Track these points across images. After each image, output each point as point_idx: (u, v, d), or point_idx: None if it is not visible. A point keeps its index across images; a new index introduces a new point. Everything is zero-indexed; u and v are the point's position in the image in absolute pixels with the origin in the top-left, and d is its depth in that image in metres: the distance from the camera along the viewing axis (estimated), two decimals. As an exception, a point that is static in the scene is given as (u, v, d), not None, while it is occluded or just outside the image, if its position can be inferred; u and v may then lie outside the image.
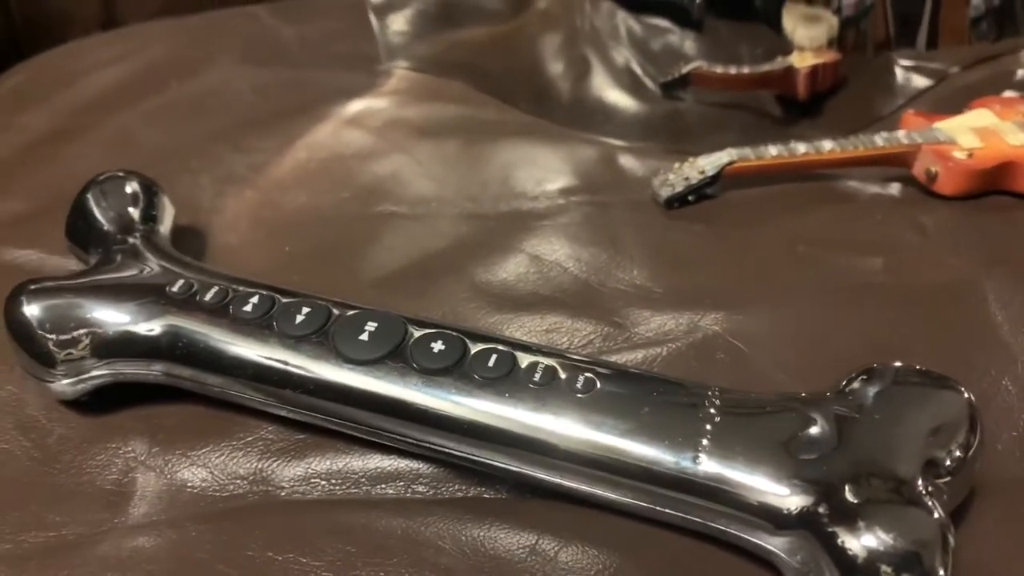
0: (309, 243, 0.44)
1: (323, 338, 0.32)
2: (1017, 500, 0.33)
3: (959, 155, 0.47)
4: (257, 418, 0.35)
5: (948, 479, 0.29)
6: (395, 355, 0.32)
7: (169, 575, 0.29)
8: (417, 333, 0.32)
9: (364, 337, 0.32)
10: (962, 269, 0.43)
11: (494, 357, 0.31)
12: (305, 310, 0.33)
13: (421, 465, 0.33)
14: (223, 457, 0.34)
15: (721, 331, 0.38)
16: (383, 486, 0.33)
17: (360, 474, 0.33)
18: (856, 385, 0.30)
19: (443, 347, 0.32)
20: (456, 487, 0.33)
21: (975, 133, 0.49)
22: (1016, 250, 0.44)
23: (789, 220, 0.46)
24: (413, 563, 0.29)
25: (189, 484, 0.33)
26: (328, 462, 0.34)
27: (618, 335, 0.38)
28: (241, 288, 0.34)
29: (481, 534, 0.30)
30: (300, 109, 0.53)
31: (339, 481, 0.33)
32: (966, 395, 0.30)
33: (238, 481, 0.33)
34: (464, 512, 0.31)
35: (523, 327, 0.38)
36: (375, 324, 0.33)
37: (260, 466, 0.34)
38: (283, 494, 0.33)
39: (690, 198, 0.46)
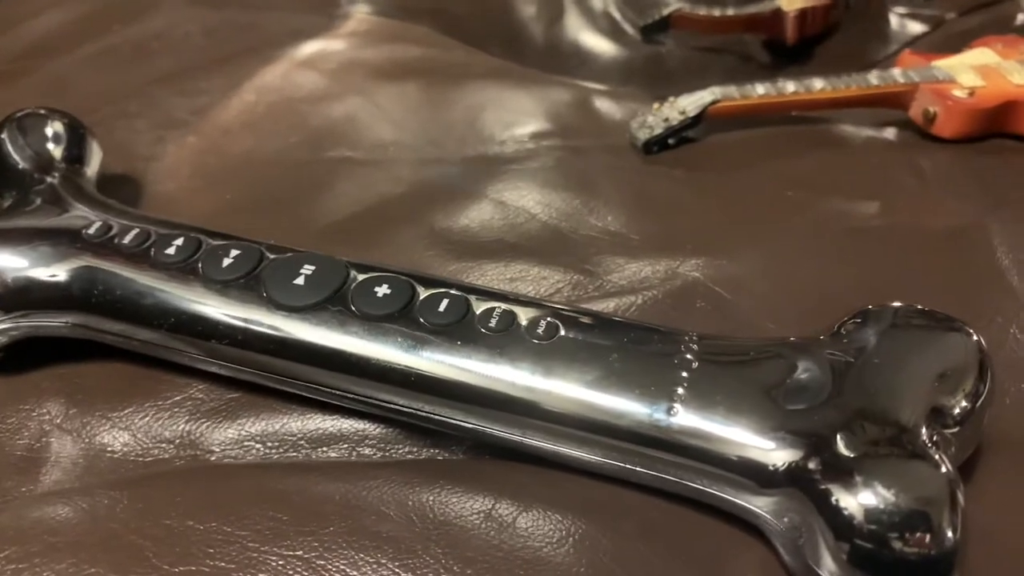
0: (254, 190, 0.40)
1: (253, 283, 0.29)
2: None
3: (959, 94, 0.44)
4: (187, 376, 0.31)
5: (956, 429, 0.25)
6: (334, 300, 0.28)
7: (72, 547, 0.26)
8: (360, 277, 0.29)
9: (299, 281, 0.28)
10: (964, 213, 0.39)
11: (445, 302, 0.28)
12: (234, 252, 0.29)
13: (368, 425, 0.30)
14: (147, 419, 0.30)
15: (702, 277, 0.35)
16: (325, 449, 0.29)
17: (299, 436, 0.30)
18: (852, 328, 0.27)
19: (388, 291, 0.28)
20: (407, 449, 0.29)
21: (976, 71, 0.45)
22: (1016, 190, 0.41)
23: (777, 164, 0.42)
24: (351, 531, 0.26)
25: (109, 449, 0.30)
26: (263, 423, 0.30)
27: (589, 283, 0.34)
28: (165, 230, 0.31)
29: (430, 499, 0.27)
30: (251, 51, 0.49)
31: (275, 444, 0.30)
32: (975, 337, 0.27)
33: (163, 445, 0.30)
34: (413, 475, 0.28)
35: (485, 275, 0.35)
36: (312, 267, 0.29)
37: (188, 429, 0.30)
38: (212, 459, 0.29)
39: (670, 141, 0.43)
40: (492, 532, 0.26)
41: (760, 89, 0.43)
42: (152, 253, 0.30)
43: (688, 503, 0.27)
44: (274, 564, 0.25)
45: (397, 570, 0.25)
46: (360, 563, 0.25)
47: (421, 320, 0.27)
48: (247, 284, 0.29)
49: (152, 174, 0.41)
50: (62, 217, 0.32)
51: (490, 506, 0.27)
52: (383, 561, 0.25)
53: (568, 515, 0.27)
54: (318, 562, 0.25)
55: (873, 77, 0.44)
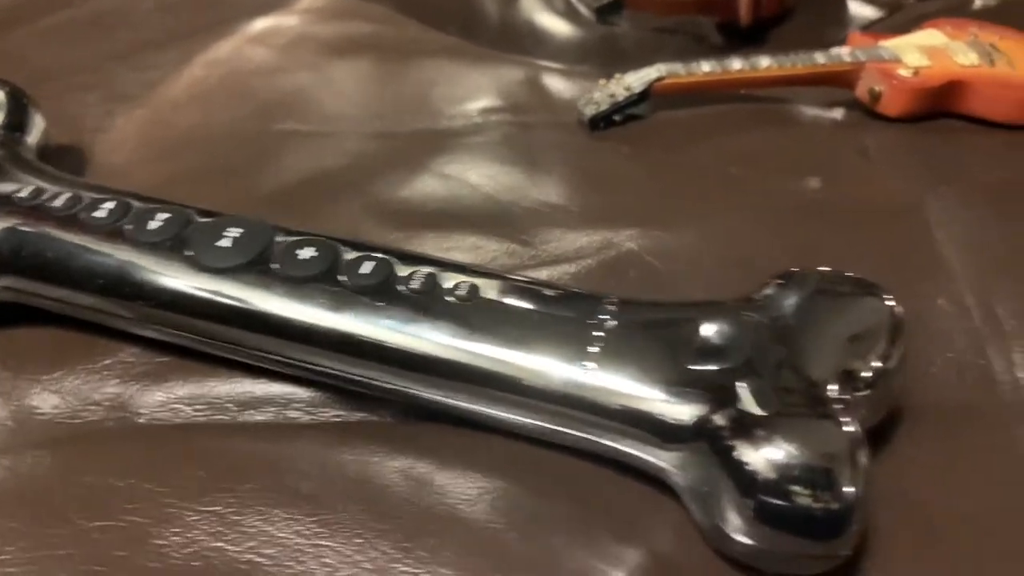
0: (199, 161, 0.40)
1: (179, 244, 0.29)
2: (951, 427, 0.30)
3: (904, 73, 0.44)
4: (118, 340, 0.31)
5: (867, 392, 0.26)
6: (258, 262, 0.28)
7: (-11, 504, 0.26)
8: (285, 239, 0.29)
9: (225, 243, 0.29)
10: (903, 190, 0.40)
11: (369, 264, 0.28)
12: (161, 216, 0.30)
13: (296, 389, 0.30)
14: (78, 382, 0.31)
15: (637, 248, 0.35)
16: (252, 412, 0.30)
17: (226, 399, 0.30)
18: (769, 291, 0.27)
19: (313, 254, 0.28)
20: (335, 412, 0.30)
21: (923, 52, 0.46)
22: (960, 171, 0.41)
23: (722, 141, 0.43)
24: (269, 488, 0.26)
25: (38, 411, 0.30)
26: (192, 386, 0.30)
27: (525, 253, 0.35)
28: (95, 195, 0.31)
29: (351, 458, 0.27)
30: (206, 27, 0.49)
31: (203, 407, 0.30)
32: (889, 302, 0.27)
33: (93, 407, 0.30)
34: (336, 436, 0.28)
35: (423, 244, 0.35)
36: (238, 230, 0.29)
37: (117, 391, 0.30)
38: (141, 420, 0.30)
39: (617, 118, 0.43)
40: (409, 490, 0.27)
41: (706, 66, 0.44)
42: (81, 216, 0.30)
43: (607, 463, 0.27)
44: (189, 519, 0.26)
45: (311, 525, 0.25)
46: (275, 518, 0.25)
47: (344, 281, 0.28)
48: (173, 246, 0.29)
49: (99, 146, 0.41)
50: (-4, 182, 0.32)
51: (409, 465, 0.27)
52: (298, 516, 0.26)
53: (487, 473, 0.27)
54: (233, 517, 0.26)
55: (819, 56, 0.45)
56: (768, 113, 0.45)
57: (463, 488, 0.27)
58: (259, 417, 0.29)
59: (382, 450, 0.28)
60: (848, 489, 0.23)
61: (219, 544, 0.25)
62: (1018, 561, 0.26)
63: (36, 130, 0.37)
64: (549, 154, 0.41)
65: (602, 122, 0.43)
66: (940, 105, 0.45)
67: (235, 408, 0.30)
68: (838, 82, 0.45)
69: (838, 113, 0.45)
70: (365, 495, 0.26)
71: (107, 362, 0.31)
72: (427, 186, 0.38)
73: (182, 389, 0.30)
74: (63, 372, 0.31)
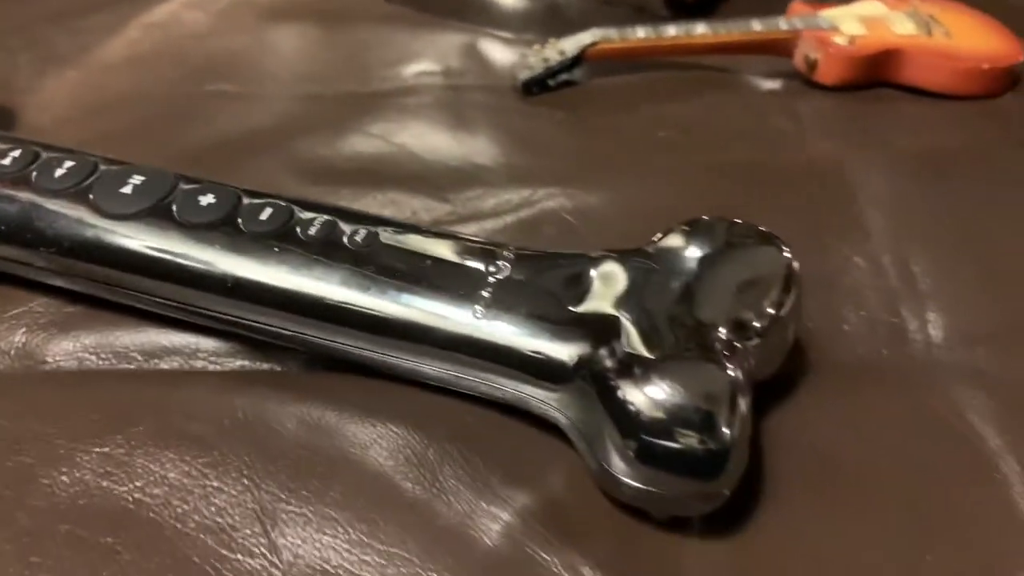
0: (127, 121, 0.40)
1: (84, 191, 0.29)
2: (861, 382, 0.31)
3: (840, 41, 0.44)
4: (28, 291, 0.31)
5: (757, 341, 0.26)
6: (158, 209, 0.28)
7: None
8: (186, 187, 0.29)
9: (127, 190, 0.29)
10: (830, 154, 0.40)
11: (268, 211, 0.28)
12: (68, 164, 0.30)
13: (203, 339, 0.30)
14: (-16, 328, 0.31)
15: (555, 206, 0.35)
16: (157, 361, 0.30)
17: (132, 348, 0.30)
18: (666, 238, 0.28)
19: (213, 200, 0.28)
20: (240, 362, 0.29)
21: (861, 21, 0.46)
22: (889, 138, 0.41)
23: (654, 107, 0.43)
24: (160, 432, 0.26)
25: (-58, 358, 0.30)
26: (98, 336, 0.30)
27: (443, 209, 0.35)
28: (3, 145, 0.31)
29: (247, 404, 0.27)
30: (144, -7, 0.49)
31: (109, 355, 0.30)
32: (786, 253, 0.27)
33: (-1, 350, 0.30)
34: (236, 384, 0.28)
35: (338, 199, 0.35)
36: (141, 178, 0.29)
37: (24, 340, 0.30)
38: (47, 368, 0.30)
39: (551, 83, 0.43)
40: (303, 435, 0.27)
41: (641, 32, 0.44)
42: (-12, 163, 0.30)
43: (503, 411, 0.27)
44: (78, 459, 0.26)
45: (200, 466, 0.25)
46: (163, 459, 0.26)
47: (242, 227, 0.28)
48: (77, 193, 0.29)
49: (29, 106, 0.41)
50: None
51: (306, 412, 0.27)
52: (186, 458, 0.26)
53: (383, 421, 0.27)
54: (123, 458, 0.26)
55: (755, 23, 0.45)
56: (704, 81, 0.45)
57: (357, 434, 0.27)
58: (164, 366, 0.29)
59: (281, 397, 0.28)
60: (726, 431, 0.23)
61: (106, 484, 0.25)
62: (915, 510, 0.26)
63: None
64: (480, 116, 0.41)
65: (536, 87, 0.43)
66: (877, 74, 0.45)
67: (141, 357, 0.30)
68: (776, 50, 0.46)
69: (775, 81, 0.46)
70: (256, 438, 0.26)
71: (16, 312, 0.31)
72: (351, 145, 0.38)
73: (88, 338, 0.30)
74: (-29, 319, 0.31)
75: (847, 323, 0.33)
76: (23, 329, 0.31)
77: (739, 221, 0.28)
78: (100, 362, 0.30)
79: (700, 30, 0.44)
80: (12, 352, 0.30)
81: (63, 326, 0.31)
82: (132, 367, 0.29)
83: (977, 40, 0.45)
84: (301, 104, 0.41)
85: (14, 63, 0.43)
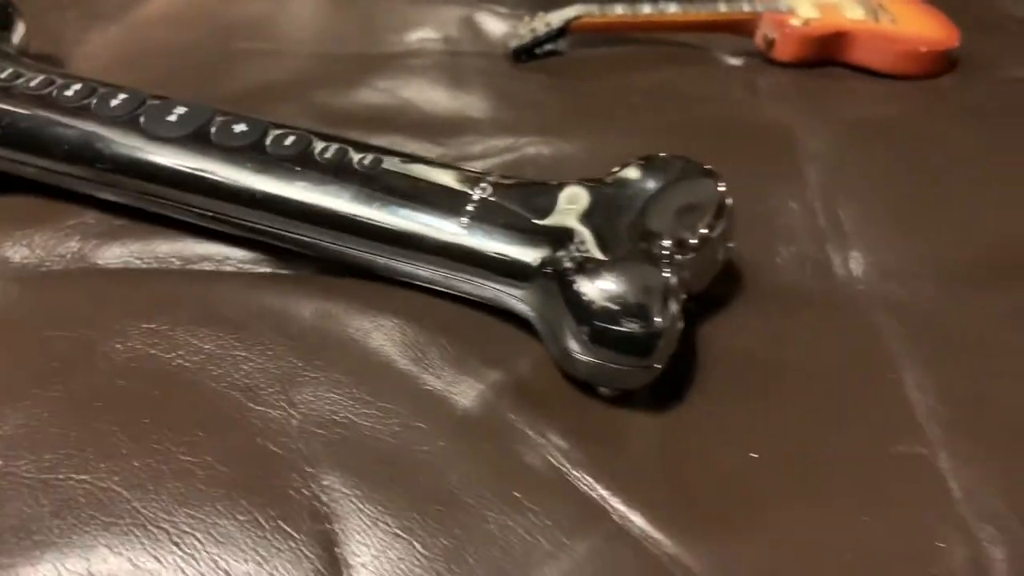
0: (164, 71, 0.45)
1: (135, 119, 0.34)
2: (790, 303, 0.36)
3: (795, 22, 0.50)
4: (82, 206, 0.37)
5: (691, 255, 0.32)
6: (198, 134, 0.34)
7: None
8: (222, 118, 0.34)
9: (172, 118, 0.34)
10: (780, 118, 0.46)
11: (291, 138, 0.34)
12: (121, 96, 0.35)
13: (233, 248, 0.35)
14: (46, 239, 0.36)
15: (536, 152, 0.41)
16: (193, 265, 0.35)
17: (171, 254, 0.35)
18: (624, 169, 0.33)
19: (244, 128, 0.34)
20: (264, 268, 0.35)
21: (816, 6, 0.51)
22: (832, 105, 0.47)
23: (629, 75, 0.48)
24: (199, 313, 0.32)
25: (10, 260, 0.35)
26: (142, 244, 0.36)
27: (438, 151, 0.40)
28: (66, 79, 0.36)
29: (272, 297, 0.33)
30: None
31: (152, 260, 0.35)
32: (720, 187, 0.33)
33: (56, 258, 0.35)
34: (262, 283, 0.34)
35: (349, 140, 0.41)
36: (184, 109, 0.35)
37: (79, 247, 0.36)
38: (98, 268, 0.35)
39: (538, 52, 0.49)
40: (317, 322, 0.32)
41: (619, 9, 0.49)
42: (53, 95, 0.35)
43: (482, 308, 0.33)
44: (130, 334, 0.31)
45: (231, 340, 0.31)
46: (200, 334, 0.31)
47: (268, 151, 0.33)
48: (129, 120, 0.34)
49: (75, 57, 0.46)
50: (-20, 68, 0.37)
51: (320, 305, 0.33)
52: (220, 334, 0.31)
53: (383, 314, 0.33)
54: (167, 333, 0.31)
55: (722, 5, 0.50)
56: (675, 54, 0.50)
57: (361, 322, 0.32)
58: (198, 268, 0.35)
59: (298, 293, 0.33)
60: (658, 319, 0.29)
61: (154, 352, 0.31)
62: (822, 401, 0.32)
63: (18, 32, 0.42)
64: (473, 78, 0.47)
65: (524, 55, 0.48)
66: (828, 54, 0.50)
67: (179, 262, 0.35)
68: (739, 30, 0.51)
69: (737, 58, 0.51)
70: (279, 322, 0.32)
71: (72, 222, 0.37)
72: (360, 97, 0.44)
73: (134, 245, 0.36)
74: (33, 231, 0.36)
75: (780, 256, 0.38)
76: (78, 236, 0.36)
77: (686, 158, 0.34)
78: (144, 264, 0.35)
79: (672, 9, 0.49)
80: (68, 256, 0.36)
81: (112, 235, 0.36)
82: (172, 268, 0.35)
83: (919, 26, 0.51)
84: (317, 61, 0.47)
85: (64, 19, 0.49)
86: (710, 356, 0.33)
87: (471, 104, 0.44)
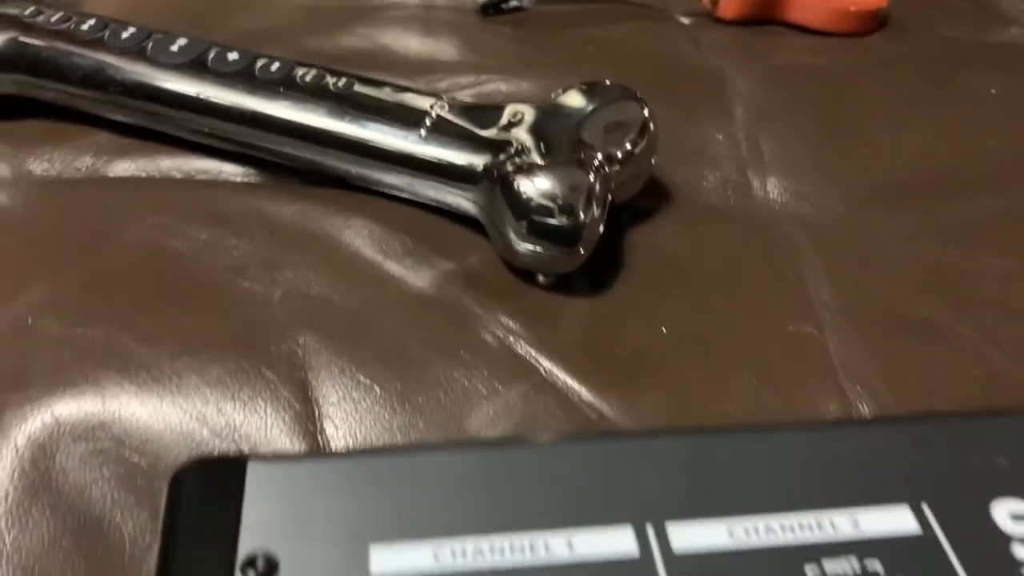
0: (162, 20, 0.50)
1: (143, 48, 0.40)
2: (713, 217, 0.41)
3: (737, -17, 0.55)
4: (95, 127, 0.42)
5: (617, 168, 0.37)
6: (197, 62, 0.39)
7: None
8: (217, 48, 0.40)
9: (174, 48, 0.40)
10: (714, 65, 0.51)
11: (276, 64, 0.39)
12: (130, 30, 0.40)
13: (227, 164, 0.41)
14: (63, 155, 0.41)
15: (495, 88, 0.46)
16: (192, 176, 0.40)
17: (173, 168, 0.41)
18: (565, 93, 0.38)
19: (236, 57, 0.39)
20: (254, 180, 0.40)
21: (758, -31, 0.57)
22: (765, 54, 0.52)
23: (586, 30, 0.54)
24: (198, 209, 0.37)
25: (31, 171, 0.41)
26: (147, 160, 0.41)
27: (409, 85, 0.46)
28: (82, 16, 0.41)
29: (260, 200, 0.38)
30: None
31: (155, 173, 0.41)
32: (646, 111, 0.38)
33: (73, 170, 0.41)
34: (251, 189, 0.39)
35: (330, 78, 0.46)
36: (184, 41, 0.40)
37: (92, 161, 0.41)
38: (109, 178, 0.41)
39: (504, 7, 0.54)
40: (296, 219, 0.38)
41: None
42: (70, 29, 0.41)
43: (439, 212, 0.38)
44: (137, 226, 0.36)
45: (223, 232, 0.36)
46: (197, 226, 0.36)
47: (257, 76, 0.39)
48: (138, 50, 0.40)
49: (86, 6, 0.52)
50: (6, 5, 0.43)
51: (300, 207, 0.38)
52: (213, 226, 0.37)
53: (353, 215, 0.38)
54: (170, 225, 0.37)
55: (672, -34, 0.56)
56: (631, 12, 0.56)
57: (335, 221, 0.38)
58: (196, 179, 0.40)
59: (281, 197, 0.39)
60: (582, 215, 0.34)
61: (158, 239, 0.36)
62: (733, 293, 0.37)
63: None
64: (444, 28, 0.52)
65: (492, 9, 0.54)
66: (767, 13, 0.56)
67: (179, 174, 0.41)
68: (688, -10, 0.56)
69: (688, 17, 0.56)
70: (264, 219, 0.37)
71: (86, 140, 0.42)
72: (343, 41, 0.49)
73: (140, 161, 0.41)
74: (52, 148, 0.42)
75: (706, 180, 0.43)
76: (91, 153, 0.41)
77: (621, 85, 0.39)
78: (148, 175, 0.41)
79: (626, -30, 0.55)
80: (83, 168, 0.41)
81: (121, 152, 0.41)
82: (173, 178, 0.40)
83: (850, -13, 0.56)
84: (306, 12, 0.52)
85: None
86: (636, 257, 0.39)
87: (440, 49, 0.49)
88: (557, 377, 0.33)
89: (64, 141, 0.42)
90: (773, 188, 0.44)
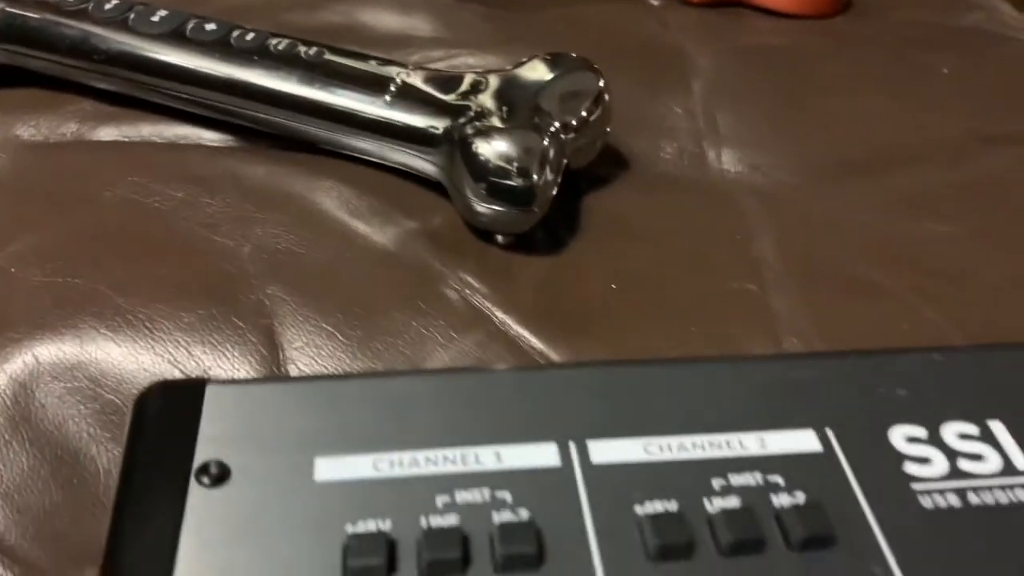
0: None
1: (124, 19, 0.42)
2: (665, 185, 0.43)
3: (704, -34, 0.57)
4: (80, 95, 0.44)
5: (573, 135, 0.39)
6: (176, 32, 0.41)
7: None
8: (196, 20, 0.42)
9: (155, 19, 0.42)
10: (680, 44, 0.53)
11: (251, 35, 0.41)
12: (113, 1, 0.42)
13: (203, 130, 0.43)
14: (50, 121, 0.43)
15: (463, 62, 0.48)
16: (171, 140, 0.43)
17: (154, 135, 0.43)
18: (527, 63, 0.40)
19: (214, 27, 0.41)
20: (230, 144, 0.42)
21: (725, -47, 0.59)
22: (728, 35, 0.54)
23: (558, 10, 0.56)
24: (175, 171, 0.39)
25: (20, 136, 0.43)
26: (129, 126, 0.43)
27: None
28: (67, -12, 0.44)
29: (233, 161, 0.40)
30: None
31: (137, 138, 0.43)
32: (601, 80, 0.40)
33: (59, 135, 0.43)
34: (227, 152, 0.41)
35: (307, 51, 0.48)
36: (165, 12, 0.42)
37: (77, 127, 0.43)
38: (94, 142, 0.43)
39: (479, -13, 0.56)
40: (268, 180, 0.40)
41: (549, -49, 0.56)
42: (56, 1, 0.43)
43: (404, 175, 0.40)
44: (117, 186, 0.39)
45: (198, 192, 0.38)
46: (174, 187, 0.39)
47: (233, 45, 0.41)
48: (121, 20, 0.42)
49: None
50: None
51: (271, 167, 0.40)
52: (189, 187, 0.39)
53: (324, 176, 0.40)
54: (147, 185, 0.39)
55: (642, -50, 0.57)
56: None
57: (305, 183, 0.40)
58: (175, 143, 0.42)
59: (256, 160, 0.41)
60: (535, 176, 0.36)
61: (136, 198, 0.38)
62: (679, 248, 0.39)
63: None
64: (419, 5, 0.54)
65: (467, -11, 0.56)
66: (734, -4, 0.58)
67: (159, 140, 0.43)
68: (658, -27, 0.58)
69: (658, 0, 0.58)
70: (237, 180, 0.39)
71: (72, 108, 0.44)
72: (322, 17, 0.51)
73: (123, 127, 0.43)
74: (39, 115, 0.44)
75: (663, 151, 0.45)
76: (76, 119, 0.43)
77: (581, 57, 0.41)
78: (130, 140, 0.43)
79: (597, -48, 0.57)
80: (68, 134, 0.43)
81: (105, 118, 0.43)
82: (154, 142, 0.42)
83: (814, -29, 0.58)
84: (285, -11, 0.54)
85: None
86: (592, 220, 0.41)
87: (414, 25, 0.51)
88: (510, 327, 0.35)
89: (51, 108, 0.44)
90: (727, 159, 0.46)
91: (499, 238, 0.38)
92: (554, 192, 0.37)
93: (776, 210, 0.42)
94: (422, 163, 0.39)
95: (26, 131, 0.43)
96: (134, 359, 0.33)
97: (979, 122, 0.49)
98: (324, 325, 0.34)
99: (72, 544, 0.31)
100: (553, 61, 0.41)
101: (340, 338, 0.34)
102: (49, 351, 0.32)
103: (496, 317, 0.35)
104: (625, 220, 0.41)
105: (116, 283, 0.34)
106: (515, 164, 0.36)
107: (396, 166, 0.40)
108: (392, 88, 0.39)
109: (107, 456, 0.32)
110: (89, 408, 0.32)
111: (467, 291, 0.36)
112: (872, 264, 0.40)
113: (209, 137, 0.43)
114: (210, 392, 0.25)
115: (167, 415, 0.24)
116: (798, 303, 0.37)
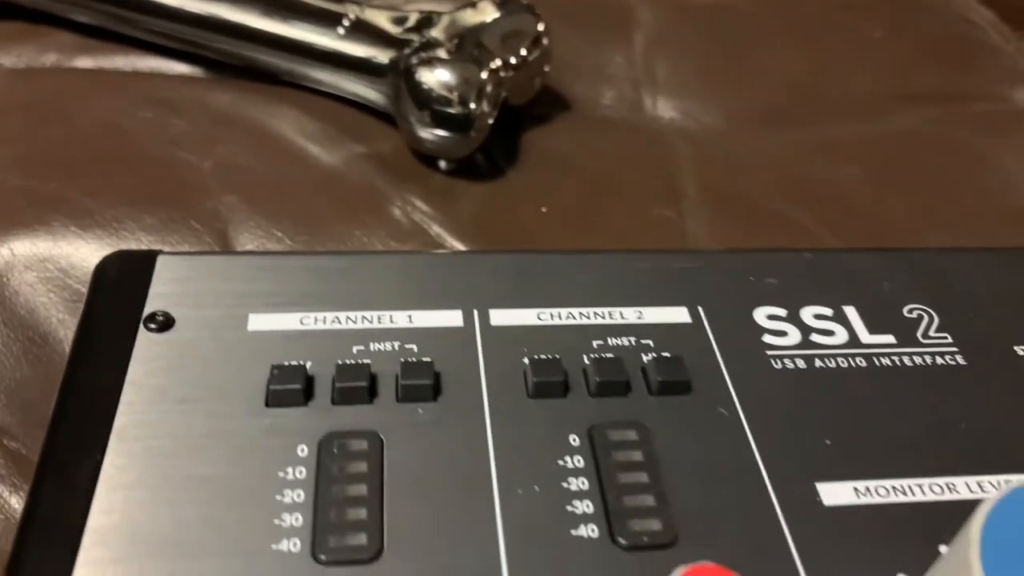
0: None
1: (103, -42, 0.45)
2: (599, 125, 0.47)
3: (655, -68, 0.61)
4: (59, 29, 0.47)
5: (512, 72, 0.42)
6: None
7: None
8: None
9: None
10: (628, 5, 0.56)
11: (219, -26, 0.44)
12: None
13: (174, 63, 0.46)
14: (31, 50, 0.46)
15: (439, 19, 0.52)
16: (145, 74, 0.46)
17: (128, 68, 0.46)
18: (474, 4, 0.44)
19: (187, -33, 0.45)
20: (199, 74, 0.46)
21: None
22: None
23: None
24: (143, 97, 0.43)
25: (3, 64, 0.46)
26: (105, 59, 0.46)
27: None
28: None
29: (200, 91, 0.44)
30: None
31: (112, 68, 0.46)
32: (540, 24, 0.44)
33: (39, 64, 0.46)
34: (191, 82, 0.45)
35: None
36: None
37: (56, 58, 0.46)
38: (71, 69, 0.46)
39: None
40: (233, 106, 0.43)
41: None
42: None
43: (357, 106, 0.44)
44: (94, 106, 0.42)
45: (167, 114, 0.42)
46: (144, 108, 0.42)
47: (203, -17, 0.44)
48: (101, -40, 0.45)
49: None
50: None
51: (237, 96, 0.44)
52: (159, 109, 0.42)
53: (282, 104, 0.44)
54: (121, 106, 0.42)
55: (597, -85, 0.61)
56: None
57: (265, 108, 0.43)
58: (147, 73, 0.46)
59: (221, 88, 0.44)
60: (474, 105, 0.40)
61: (109, 118, 0.41)
62: (613, 182, 0.43)
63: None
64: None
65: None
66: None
67: (132, 70, 0.46)
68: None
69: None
70: (203, 104, 0.43)
71: (51, 40, 0.47)
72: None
73: (99, 59, 0.46)
74: (21, 45, 0.47)
75: (603, 96, 0.49)
76: (56, 50, 0.47)
77: (525, 3, 0.45)
78: (105, 69, 0.46)
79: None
80: (48, 63, 0.46)
81: (82, 50, 0.47)
82: (127, 73, 0.46)
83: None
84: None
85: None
86: (530, 153, 0.44)
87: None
88: (445, 240, 0.39)
89: (31, 39, 0.47)
90: (663, 106, 0.49)
91: (442, 164, 0.42)
92: (491, 121, 0.41)
93: (701, 151, 0.46)
94: (372, 93, 0.43)
95: (7, 59, 0.46)
96: (100, 254, 0.36)
97: (900, 82, 0.53)
98: (274, 231, 0.37)
99: (40, 412, 0.34)
100: (499, 3, 0.44)
101: (288, 242, 0.37)
102: (23, 245, 0.36)
103: (433, 231, 0.39)
104: (561, 155, 0.45)
105: (87, 189, 0.38)
106: (455, 92, 0.40)
107: (349, 96, 0.44)
108: (345, 23, 0.42)
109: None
110: (59, 295, 0.35)
111: (409, 208, 0.40)
112: (785, 200, 0.43)
113: (179, 68, 0.46)
114: (161, 260, 0.28)
115: (122, 277, 0.28)
116: (711, 228, 0.41)
